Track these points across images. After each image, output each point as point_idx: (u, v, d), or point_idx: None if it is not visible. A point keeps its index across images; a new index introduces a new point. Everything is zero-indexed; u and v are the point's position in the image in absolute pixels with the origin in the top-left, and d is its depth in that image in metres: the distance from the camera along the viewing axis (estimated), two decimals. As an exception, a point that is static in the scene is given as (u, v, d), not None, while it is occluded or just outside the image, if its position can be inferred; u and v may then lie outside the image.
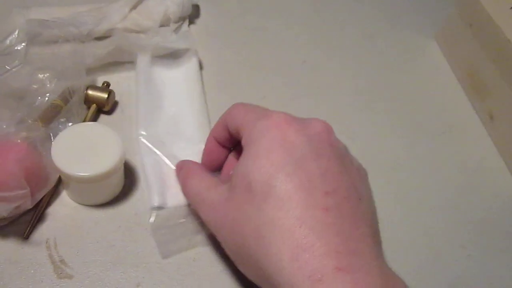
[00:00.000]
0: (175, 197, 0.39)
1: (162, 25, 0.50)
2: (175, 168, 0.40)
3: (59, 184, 0.39)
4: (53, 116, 0.40)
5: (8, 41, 0.39)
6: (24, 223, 0.36)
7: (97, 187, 0.37)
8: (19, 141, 0.35)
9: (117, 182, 0.38)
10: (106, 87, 0.45)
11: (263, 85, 0.50)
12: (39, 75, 0.40)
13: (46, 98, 0.39)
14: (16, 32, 0.39)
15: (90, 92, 0.43)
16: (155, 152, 0.41)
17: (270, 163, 0.29)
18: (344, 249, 0.26)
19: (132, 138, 0.42)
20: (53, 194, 0.38)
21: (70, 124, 0.40)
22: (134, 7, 0.51)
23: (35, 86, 0.40)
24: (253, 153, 0.30)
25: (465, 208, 0.43)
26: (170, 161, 0.40)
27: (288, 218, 0.27)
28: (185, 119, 0.44)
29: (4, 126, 0.36)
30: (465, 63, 0.53)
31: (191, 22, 0.54)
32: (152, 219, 0.38)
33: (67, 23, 0.46)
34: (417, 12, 0.62)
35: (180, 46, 0.48)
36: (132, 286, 0.35)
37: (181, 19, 0.52)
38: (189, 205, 0.38)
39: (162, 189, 0.39)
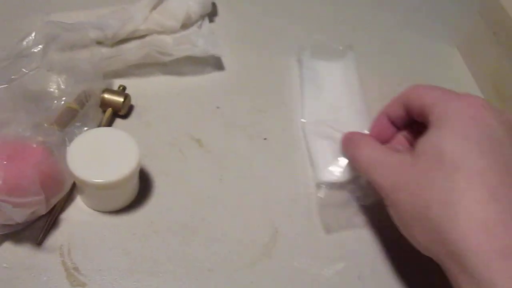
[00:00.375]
0: (339, 175, 0.41)
1: (184, 24, 0.50)
2: (341, 139, 0.41)
3: (74, 189, 0.38)
4: (69, 120, 0.40)
5: (25, 43, 0.39)
6: (38, 228, 0.36)
7: (112, 193, 0.36)
8: (34, 145, 0.35)
9: (132, 188, 0.38)
10: (122, 90, 0.44)
11: (285, 88, 0.49)
12: (56, 78, 0.40)
13: (62, 102, 0.39)
14: (33, 34, 0.38)
15: (106, 95, 0.43)
16: (320, 135, 0.44)
17: (465, 138, 0.30)
18: None
19: (148, 143, 0.42)
20: (68, 199, 0.38)
21: (85, 128, 0.39)
22: (155, 7, 0.51)
23: (51, 89, 0.39)
24: (447, 128, 0.31)
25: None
26: (334, 143, 0.43)
27: (481, 191, 0.28)
28: (344, 106, 0.47)
29: (20, 130, 0.35)
30: (489, 73, 0.51)
31: (210, 20, 0.54)
32: (320, 194, 0.40)
33: (91, 26, 0.46)
34: (439, 20, 0.60)
35: (207, 53, 0.48)
36: (146, 296, 0.34)
37: (202, 17, 0.52)
38: (353, 181, 0.41)
39: (327, 166, 0.42)
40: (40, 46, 0.39)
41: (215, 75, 0.49)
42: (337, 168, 0.42)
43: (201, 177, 0.41)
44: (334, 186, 0.41)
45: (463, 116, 0.31)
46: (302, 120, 0.46)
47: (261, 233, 0.38)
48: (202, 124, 0.45)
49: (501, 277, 0.26)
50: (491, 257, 0.26)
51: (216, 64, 0.50)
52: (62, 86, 0.41)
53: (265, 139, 0.45)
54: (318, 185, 0.41)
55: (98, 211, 0.38)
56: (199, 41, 0.49)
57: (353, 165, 0.39)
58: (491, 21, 0.51)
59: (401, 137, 0.39)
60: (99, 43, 0.47)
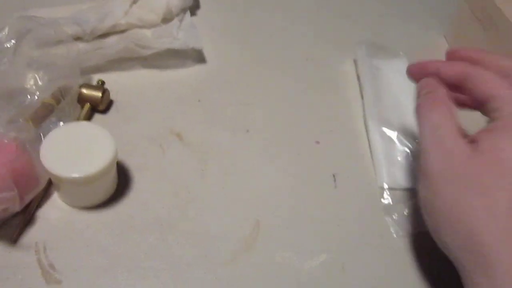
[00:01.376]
0: (403, 180, 0.41)
1: (164, 18, 0.49)
2: (418, 84, 0.37)
3: (50, 186, 0.37)
4: (44, 116, 0.39)
5: (-3, 38, 0.38)
6: (13, 226, 0.35)
7: (89, 188, 0.35)
8: (6, 141, 0.34)
9: (110, 183, 0.37)
10: (100, 85, 0.43)
11: (266, 80, 0.49)
12: (30, 73, 0.39)
13: (36, 97, 0.38)
14: (6, 29, 0.38)
15: (83, 90, 0.42)
16: (384, 137, 0.44)
17: None
18: None
19: (128, 138, 0.41)
20: (44, 196, 0.37)
21: (61, 123, 0.39)
22: (135, 1, 0.50)
23: (25, 85, 0.38)
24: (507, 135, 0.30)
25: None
26: (398, 143, 0.43)
27: None
28: (408, 106, 0.45)
29: (-8, 126, 0.34)
30: (474, 59, 0.51)
31: (192, 13, 0.53)
32: (384, 200, 0.40)
33: (69, 22, 0.45)
34: (426, 9, 0.59)
35: (188, 46, 0.47)
36: (123, 292, 0.33)
37: (183, 11, 0.51)
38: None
39: (391, 171, 0.42)
40: (13, 41, 0.38)
41: (196, 68, 0.49)
42: (401, 172, 0.42)
43: (182, 171, 0.40)
44: (396, 191, 0.41)
45: None
46: (370, 119, 0.45)
47: (243, 227, 0.38)
48: (183, 117, 0.44)
49: None
50: None
51: (197, 57, 0.49)
52: (39, 83, 0.40)
53: (247, 131, 0.44)
54: (381, 189, 0.41)
55: (75, 207, 0.37)
56: (180, 34, 0.49)
57: (418, 119, 0.35)
58: (477, 8, 0.50)
59: None
60: (78, 38, 0.46)
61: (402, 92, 0.47)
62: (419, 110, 0.35)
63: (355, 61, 0.51)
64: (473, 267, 0.28)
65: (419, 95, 0.36)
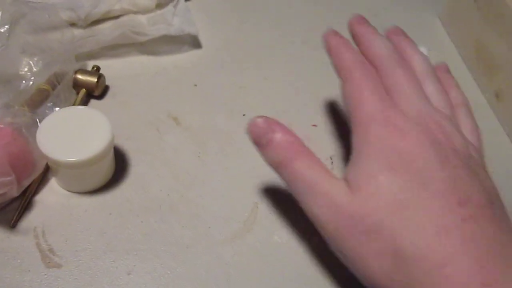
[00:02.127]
0: None
1: (159, 3, 0.49)
2: (248, 128, 0.32)
3: (48, 171, 0.37)
4: (40, 101, 0.39)
5: (-10, 24, 0.38)
6: (11, 211, 0.35)
7: (86, 173, 0.35)
8: (1, 126, 0.34)
9: (107, 168, 0.37)
10: (96, 71, 0.43)
11: (262, 63, 0.49)
12: (25, 59, 0.39)
13: (31, 82, 0.38)
14: None
15: (79, 76, 0.42)
16: None
17: (391, 173, 0.27)
18: (487, 263, 0.25)
19: (124, 123, 0.41)
20: (41, 181, 0.37)
21: (57, 109, 0.38)
22: (129, -14, 0.50)
23: (20, 70, 0.38)
24: (379, 160, 0.28)
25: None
26: None
27: (426, 231, 0.26)
28: None
29: (-13, 111, 0.34)
30: (470, 40, 0.51)
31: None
32: None
33: (63, 7, 0.45)
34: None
35: (183, 32, 0.47)
36: (123, 274, 0.33)
37: (177, -6, 0.51)
38: None
39: None
40: (7, 26, 0.38)
41: (192, 53, 0.48)
42: None
43: (179, 155, 0.40)
44: None
45: (384, 149, 0.28)
46: None
47: (241, 208, 0.38)
48: (179, 102, 0.44)
49: None
50: None
51: (193, 42, 0.49)
52: (34, 68, 0.40)
53: (244, 115, 0.44)
54: None
55: (73, 192, 0.37)
56: (175, 20, 0.48)
57: (283, 178, 0.31)
58: (472, -12, 0.50)
59: None
60: (72, 24, 0.46)
61: None
62: (278, 166, 0.31)
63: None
64: None
65: (262, 147, 0.31)
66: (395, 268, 0.26)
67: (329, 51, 0.36)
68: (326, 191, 0.29)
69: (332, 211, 0.29)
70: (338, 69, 0.34)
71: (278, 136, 0.31)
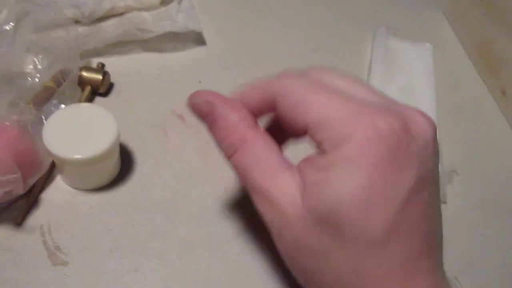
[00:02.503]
0: None
1: (163, 0, 0.49)
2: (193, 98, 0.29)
3: (53, 168, 0.37)
4: (45, 98, 0.39)
5: (-4, 21, 0.38)
6: (18, 209, 0.35)
7: (92, 170, 0.35)
8: (7, 124, 0.34)
9: (113, 165, 0.37)
10: (100, 68, 0.43)
11: (267, 60, 0.49)
12: (30, 57, 0.39)
13: (37, 80, 0.38)
14: (5, 11, 0.37)
15: (84, 73, 0.42)
16: None
17: (366, 198, 0.23)
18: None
19: (129, 120, 0.41)
20: (47, 179, 0.37)
21: (62, 106, 0.38)
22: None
23: (25, 68, 0.38)
24: (343, 178, 0.23)
25: (479, 189, 0.41)
26: None
27: (389, 264, 0.23)
28: (414, 92, 0.46)
29: (-7, 109, 0.34)
30: (475, 37, 0.50)
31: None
32: None
33: (67, 4, 0.45)
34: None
35: (187, 29, 0.47)
36: (129, 272, 0.33)
37: (181, -9, 0.51)
38: None
39: None
40: (12, 23, 0.37)
41: (197, 50, 0.48)
42: None
43: (184, 153, 0.40)
44: None
45: (363, 161, 0.23)
46: None
47: (246, 205, 0.38)
48: (184, 99, 0.44)
49: None
50: None
51: (197, 39, 0.49)
52: (39, 66, 0.40)
53: (249, 112, 0.44)
54: None
55: (79, 189, 0.37)
56: (179, 17, 0.48)
57: (233, 166, 0.28)
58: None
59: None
60: (77, 22, 0.46)
61: (416, 76, 0.47)
62: (228, 150, 0.27)
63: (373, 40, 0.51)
64: None
65: (212, 131, 0.28)
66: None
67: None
68: (275, 190, 0.25)
69: (279, 216, 0.25)
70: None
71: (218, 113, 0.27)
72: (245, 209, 0.37)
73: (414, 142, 0.24)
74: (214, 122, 0.28)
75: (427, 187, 0.24)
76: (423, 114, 0.25)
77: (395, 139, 0.23)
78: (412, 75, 0.48)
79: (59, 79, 0.40)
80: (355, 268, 0.23)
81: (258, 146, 0.27)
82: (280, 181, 0.25)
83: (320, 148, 0.25)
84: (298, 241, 0.25)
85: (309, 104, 0.25)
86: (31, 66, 0.39)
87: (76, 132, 0.35)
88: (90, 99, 0.42)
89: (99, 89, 0.42)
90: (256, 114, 0.28)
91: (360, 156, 0.23)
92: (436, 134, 0.25)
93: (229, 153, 0.27)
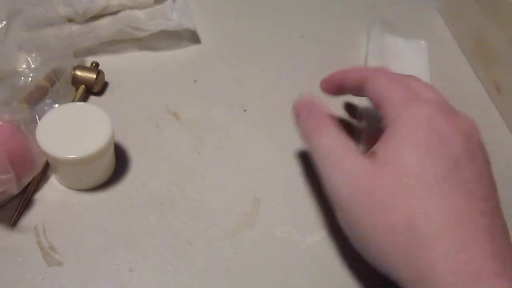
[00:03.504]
0: None
1: None
2: (295, 104, 0.36)
3: (48, 168, 0.37)
4: (39, 97, 0.38)
5: (-13, 20, 0.38)
6: (11, 209, 0.35)
7: (86, 169, 0.35)
8: (0, 123, 0.33)
9: (107, 164, 0.37)
10: (94, 67, 0.43)
11: (262, 58, 0.48)
12: (23, 55, 0.39)
13: (30, 79, 0.37)
14: (-4, 9, 0.37)
15: (78, 72, 0.41)
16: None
17: (431, 157, 0.28)
18: (500, 255, 0.26)
19: (124, 119, 0.41)
20: (41, 178, 0.37)
21: (56, 105, 0.38)
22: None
23: (18, 67, 0.38)
24: (410, 141, 0.29)
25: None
26: None
27: (448, 216, 0.27)
28: None
29: (-14, 108, 0.34)
30: (470, 33, 0.50)
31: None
32: None
33: (60, 3, 0.44)
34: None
35: (182, 27, 0.47)
36: (125, 271, 0.33)
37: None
38: None
39: None
40: (4, 22, 0.37)
41: (191, 48, 0.48)
42: None
43: (179, 151, 0.40)
44: None
45: (426, 130, 0.29)
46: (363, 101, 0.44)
47: (243, 203, 0.37)
48: (179, 97, 0.44)
49: None
50: (458, 284, 0.25)
51: (192, 37, 0.49)
52: (32, 65, 0.39)
53: (244, 110, 0.44)
54: None
55: (73, 189, 0.37)
56: (173, 15, 0.48)
57: (308, 147, 0.34)
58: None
59: None
60: (70, 20, 0.45)
61: (411, 71, 0.47)
62: (305, 137, 0.34)
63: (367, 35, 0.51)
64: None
65: (298, 120, 0.35)
66: (408, 242, 0.27)
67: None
68: (344, 159, 0.30)
69: (348, 178, 0.30)
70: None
71: (305, 112, 0.35)
72: (241, 205, 0.37)
73: (460, 122, 0.30)
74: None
75: (477, 156, 0.29)
76: (468, 118, 0.32)
77: (444, 113, 0.30)
78: (407, 70, 0.48)
79: (53, 78, 0.40)
80: (422, 211, 0.27)
81: (336, 131, 0.33)
82: (354, 153, 0.31)
83: (384, 124, 0.32)
84: (373, 194, 0.29)
85: (386, 90, 0.33)
86: (24, 65, 0.39)
87: (70, 131, 0.34)
88: (84, 98, 0.42)
89: (93, 88, 0.42)
90: (346, 91, 0.37)
91: (416, 119, 0.30)
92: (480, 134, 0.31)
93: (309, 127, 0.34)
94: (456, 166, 0.28)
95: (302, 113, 0.35)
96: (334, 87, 0.38)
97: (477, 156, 0.30)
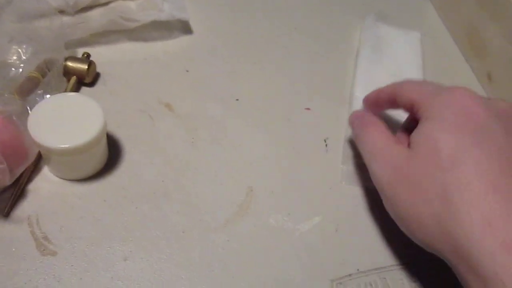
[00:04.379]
0: None
1: None
2: (350, 116, 0.40)
3: (40, 159, 0.37)
4: (30, 89, 0.38)
5: (-23, 11, 0.37)
6: (4, 200, 0.34)
7: (79, 160, 0.35)
8: (-8, 113, 0.33)
9: (100, 154, 0.37)
10: (86, 58, 0.43)
11: (255, 48, 0.48)
12: (14, 47, 0.38)
13: (21, 70, 0.37)
14: (-14, 0, 0.37)
15: (69, 63, 0.41)
16: None
17: (457, 129, 0.30)
18: None
19: (117, 110, 0.41)
20: (34, 169, 0.37)
21: (48, 96, 0.38)
22: (118, -28, 0.49)
23: (8, 59, 0.38)
24: (438, 120, 0.31)
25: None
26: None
27: (481, 183, 0.28)
28: (402, 78, 0.44)
29: (-23, 100, 0.34)
30: (462, 22, 0.51)
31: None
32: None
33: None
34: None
35: (174, 17, 0.47)
36: (119, 260, 0.33)
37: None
38: None
39: None
40: (-7, 13, 0.37)
41: (183, 39, 0.48)
42: None
43: (172, 141, 0.40)
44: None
45: (453, 108, 0.31)
46: (356, 92, 0.45)
47: (236, 193, 0.38)
48: (171, 88, 0.44)
49: (506, 271, 0.25)
50: (495, 252, 0.26)
51: (184, 28, 0.49)
52: (23, 56, 0.39)
53: (237, 100, 0.44)
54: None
55: (66, 179, 0.37)
56: (165, 6, 0.48)
57: (358, 146, 0.38)
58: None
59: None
60: (61, 11, 0.45)
61: (406, 63, 0.47)
62: (355, 137, 0.38)
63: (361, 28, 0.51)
64: (458, 262, 0.28)
65: (352, 127, 0.39)
66: (445, 214, 0.28)
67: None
68: (384, 150, 0.33)
69: (387, 167, 0.33)
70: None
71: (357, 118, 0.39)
72: (234, 195, 0.37)
73: (488, 101, 0.32)
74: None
75: (507, 126, 0.30)
76: (503, 100, 0.34)
77: (471, 95, 0.32)
78: (400, 60, 0.48)
79: (44, 69, 0.39)
80: (456, 183, 0.28)
81: (380, 127, 0.36)
82: (394, 144, 0.34)
83: (419, 118, 0.33)
84: (409, 175, 0.31)
85: (414, 89, 0.35)
86: (15, 57, 0.39)
87: (62, 121, 0.34)
88: (76, 89, 0.42)
89: (85, 79, 0.42)
90: (383, 106, 0.39)
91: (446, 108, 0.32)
92: None
93: (361, 127, 0.38)
94: (487, 137, 0.29)
95: (355, 120, 0.39)
96: (372, 104, 0.40)
97: (507, 125, 0.31)
